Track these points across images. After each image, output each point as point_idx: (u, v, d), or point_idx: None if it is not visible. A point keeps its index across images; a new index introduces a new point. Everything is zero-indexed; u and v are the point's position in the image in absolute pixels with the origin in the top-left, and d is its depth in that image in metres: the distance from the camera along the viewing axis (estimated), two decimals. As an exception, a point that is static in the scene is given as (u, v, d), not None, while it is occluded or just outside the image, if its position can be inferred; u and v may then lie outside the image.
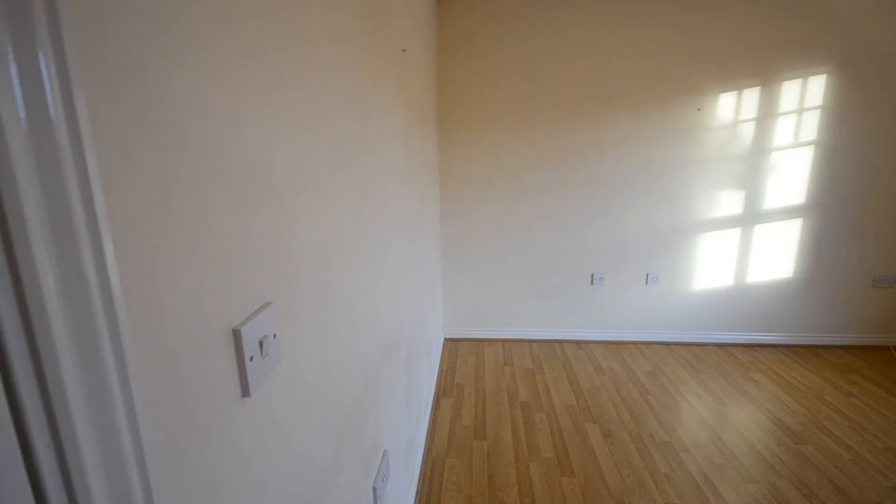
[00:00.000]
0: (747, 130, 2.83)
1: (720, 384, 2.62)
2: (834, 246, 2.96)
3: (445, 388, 2.61)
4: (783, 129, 2.81)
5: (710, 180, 2.93)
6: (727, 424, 2.23)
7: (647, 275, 3.11)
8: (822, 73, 2.73)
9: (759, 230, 2.97)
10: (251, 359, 0.49)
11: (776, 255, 3.00)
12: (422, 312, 2.14)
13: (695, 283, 3.10)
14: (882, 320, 3.05)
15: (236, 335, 0.47)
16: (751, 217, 2.96)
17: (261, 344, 0.51)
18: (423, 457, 1.99)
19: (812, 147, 2.82)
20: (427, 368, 2.34)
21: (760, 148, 2.85)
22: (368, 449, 1.09)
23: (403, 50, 1.57)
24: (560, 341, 3.25)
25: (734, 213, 2.96)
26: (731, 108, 2.81)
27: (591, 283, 3.16)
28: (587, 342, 3.23)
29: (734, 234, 2.99)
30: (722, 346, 3.14)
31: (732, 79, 2.78)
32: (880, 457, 1.99)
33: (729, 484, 1.82)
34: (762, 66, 2.74)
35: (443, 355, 3.04)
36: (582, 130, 2.92)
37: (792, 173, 2.87)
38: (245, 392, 0.49)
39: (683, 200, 2.97)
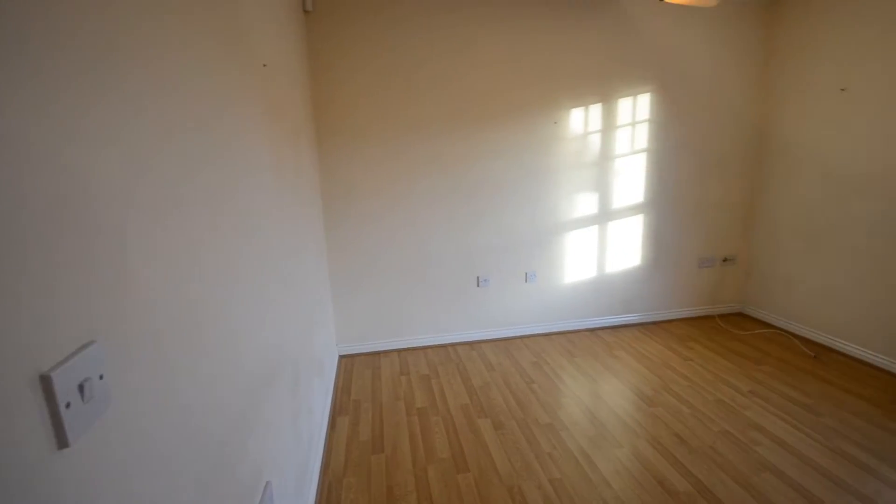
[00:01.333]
0: (595, 140, 3.26)
1: (591, 364, 2.95)
2: (668, 236, 3.53)
3: (341, 406, 2.55)
4: (622, 139, 3.29)
5: (570, 184, 3.30)
6: (597, 399, 2.52)
7: (526, 273, 3.38)
8: (648, 91, 3.26)
9: (612, 226, 3.42)
10: (68, 405, 0.45)
11: (627, 247, 3.48)
12: (309, 333, 2.08)
13: (566, 277, 3.45)
14: (707, 294, 3.71)
15: (45, 381, 0.43)
16: (605, 215, 3.39)
17: (81, 387, 0.47)
18: (319, 480, 1.93)
19: (645, 154, 3.34)
20: (320, 389, 2.27)
21: (606, 155, 3.29)
22: (246, 483, 1.03)
23: (264, 65, 1.52)
24: (454, 344, 3.37)
25: (591, 212, 3.38)
26: (581, 121, 3.21)
27: (478, 285, 3.34)
28: (478, 342, 3.40)
29: (593, 231, 3.40)
30: (592, 330, 3.54)
31: (580, 96, 3.17)
32: (711, 407, 2.41)
33: (600, 452, 2.06)
34: (603, 86, 3.18)
35: (338, 373, 2.97)
36: (460, 140, 3.09)
37: (632, 176, 3.37)
38: (62, 443, 0.45)
39: (550, 203, 3.30)
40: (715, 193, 3.52)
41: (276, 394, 1.36)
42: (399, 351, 3.29)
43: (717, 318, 3.69)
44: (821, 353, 2.97)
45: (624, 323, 3.61)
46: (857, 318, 2.87)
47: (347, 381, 2.85)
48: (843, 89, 2.81)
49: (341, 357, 3.22)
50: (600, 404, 2.48)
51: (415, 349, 3.31)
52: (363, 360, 3.14)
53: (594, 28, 3.08)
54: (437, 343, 3.37)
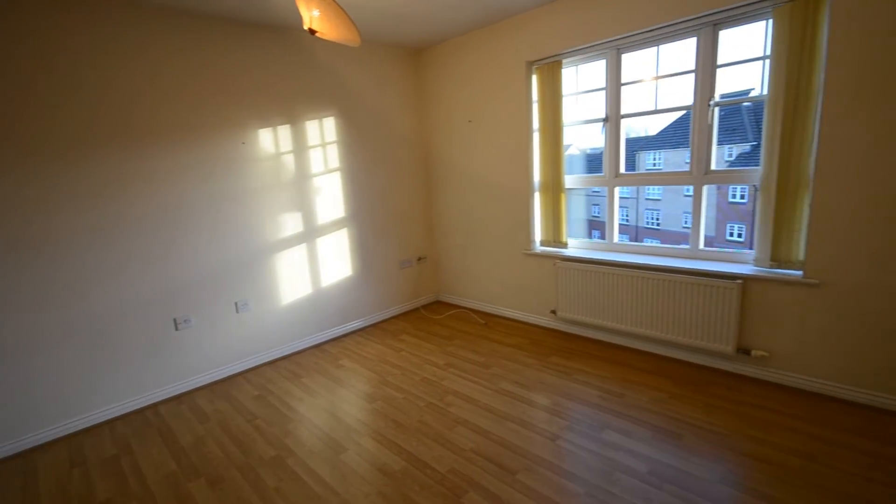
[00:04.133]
0: (289, 160, 3.29)
1: (318, 381, 2.98)
2: (372, 244, 3.91)
3: (-41, 550, 1.75)
4: (316, 159, 3.44)
5: (271, 205, 3.23)
6: (325, 413, 2.57)
7: (236, 303, 3.13)
8: (332, 116, 3.51)
9: (321, 242, 3.54)
10: None
11: (337, 259, 3.67)
12: None
13: (282, 299, 3.37)
14: (411, 290, 4.31)
15: None
16: (311, 232, 3.48)
17: None
18: None
19: (339, 172, 3.60)
20: None
21: (303, 175, 3.38)
22: None
23: None
24: (154, 405, 2.80)
25: (299, 230, 3.40)
26: (272, 142, 3.18)
27: (177, 328, 2.87)
28: (188, 392, 2.93)
29: (302, 248, 3.44)
30: (317, 345, 3.58)
31: (267, 117, 3.14)
32: (419, 386, 2.81)
33: (327, 464, 2.10)
34: (288, 108, 3.24)
35: (-49, 504, 2.02)
36: (128, 165, 2.57)
37: (332, 193, 3.57)
38: None
39: (252, 227, 3.14)
40: (403, 204, 4.12)
41: None
42: (69, 437, 2.50)
43: (421, 308, 4.33)
44: (489, 321, 3.88)
45: (346, 331, 3.80)
46: (501, 289, 3.89)
47: (-29, 508, 1.98)
48: (469, 121, 3.75)
49: (-42, 478, 2.21)
50: (327, 417, 2.53)
51: (95, 427, 2.59)
52: (6, 469, 2.24)
53: (277, 54, 3.11)
54: (129, 410, 2.73)
